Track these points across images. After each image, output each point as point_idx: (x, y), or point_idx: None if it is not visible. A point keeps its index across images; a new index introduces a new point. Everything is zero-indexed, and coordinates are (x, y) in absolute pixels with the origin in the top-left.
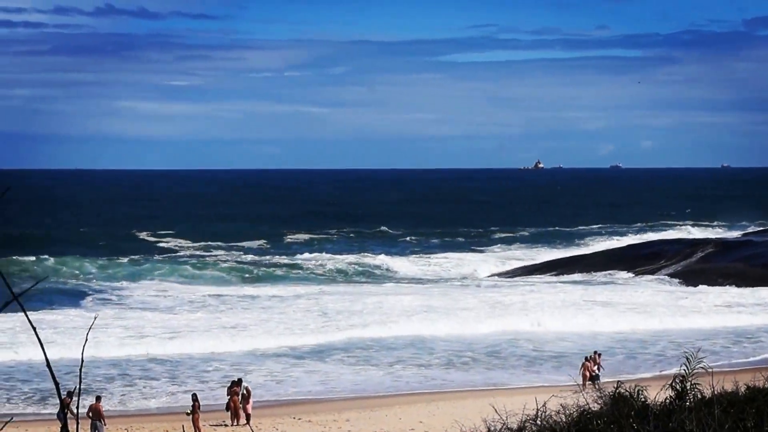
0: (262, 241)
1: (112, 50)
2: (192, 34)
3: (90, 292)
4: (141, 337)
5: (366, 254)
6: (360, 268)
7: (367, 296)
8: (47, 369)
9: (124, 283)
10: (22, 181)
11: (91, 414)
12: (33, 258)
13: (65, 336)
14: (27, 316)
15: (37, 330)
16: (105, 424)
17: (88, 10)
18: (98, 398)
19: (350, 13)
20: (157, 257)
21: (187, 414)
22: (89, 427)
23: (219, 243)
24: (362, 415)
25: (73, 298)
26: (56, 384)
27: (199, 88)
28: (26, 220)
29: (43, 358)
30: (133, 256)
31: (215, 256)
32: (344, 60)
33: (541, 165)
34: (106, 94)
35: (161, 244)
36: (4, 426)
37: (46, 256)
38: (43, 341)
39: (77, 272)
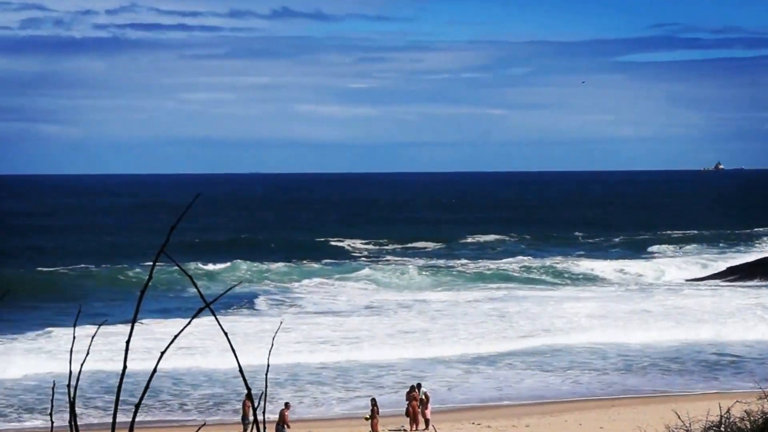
0: (440, 244)
1: (288, 53)
2: (369, 36)
3: (264, 296)
4: (314, 343)
5: (554, 258)
6: (544, 271)
7: (550, 301)
8: (240, 374)
9: (298, 286)
10: (201, 187)
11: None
12: (218, 265)
13: (242, 341)
14: (219, 323)
15: (228, 336)
16: (290, 428)
17: (264, 12)
18: (287, 405)
19: (528, 14)
20: (339, 261)
21: (366, 419)
22: None
23: (395, 246)
24: (542, 420)
25: (248, 302)
26: (248, 389)
27: (376, 90)
28: (214, 223)
29: (219, 365)
30: (309, 260)
31: (396, 259)
32: (522, 61)
33: (721, 166)
34: (283, 97)
35: (344, 248)
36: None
37: (239, 261)
38: (222, 347)
39: (250, 276)
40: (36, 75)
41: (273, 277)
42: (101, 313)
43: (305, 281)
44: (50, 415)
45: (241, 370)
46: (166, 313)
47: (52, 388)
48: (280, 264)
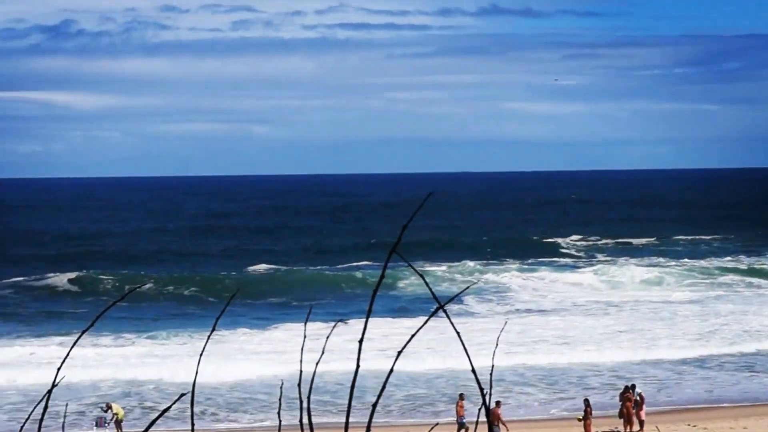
0: (652, 242)
1: (497, 51)
2: (579, 31)
3: (474, 295)
4: (522, 344)
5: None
6: (762, 273)
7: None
8: (472, 375)
9: (509, 284)
10: (409, 186)
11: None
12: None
13: (450, 340)
14: (452, 324)
15: (461, 337)
16: (506, 427)
17: (472, 10)
18: (498, 403)
19: (741, 7)
20: (552, 258)
21: (579, 420)
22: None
23: (606, 241)
24: (760, 422)
25: (458, 300)
26: (481, 390)
27: (587, 87)
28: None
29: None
30: (518, 258)
31: (609, 258)
32: (735, 55)
33: None
34: (492, 95)
35: (557, 244)
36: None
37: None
38: (427, 348)
39: (459, 275)
40: (245, 76)
41: (484, 275)
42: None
43: (516, 279)
44: (278, 414)
45: (473, 371)
46: (375, 313)
47: (280, 387)
48: (494, 261)
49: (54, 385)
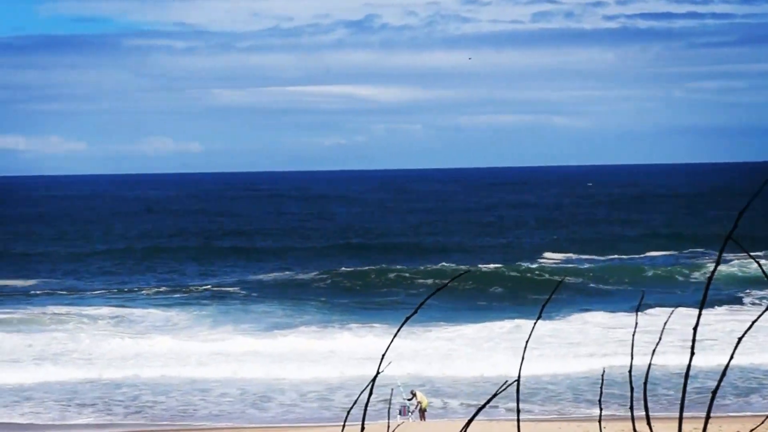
0: None
1: None
2: None
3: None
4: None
5: None
6: None
7: None
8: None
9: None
10: (713, 175)
11: None
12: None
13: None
14: None
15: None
16: None
17: None
18: None
19: None
20: None
21: None
22: None
23: None
24: None
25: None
26: None
27: None
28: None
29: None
30: None
31: None
32: None
33: None
34: None
35: None
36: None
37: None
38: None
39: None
40: (545, 67)
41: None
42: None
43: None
44: (599, 402)
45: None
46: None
47: (602, 376)
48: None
49: (378, 373)
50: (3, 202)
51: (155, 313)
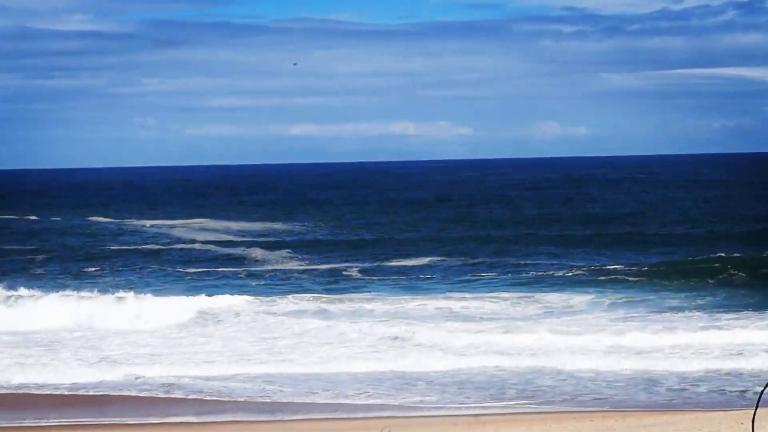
0: None
1: None
2: None
3: None
4: None
5: None
6: None
7: None
8: None
9: None
10: None
11: None
12: None
13: None
14: None
15: None
16: None
17: None
18: None
19: None
20: None
21: None
22: None
23: None
24: None
25: None
26: None
27: None
28: None
29: None
30: None
31: None
32: None
33: None
34: None
35: None
36: None
37: None
38: None
39: None
40: None
41: None
42: None
43: None
44: None
45: None
46: None
47: None
48: None
49: None
50: (421, 187)
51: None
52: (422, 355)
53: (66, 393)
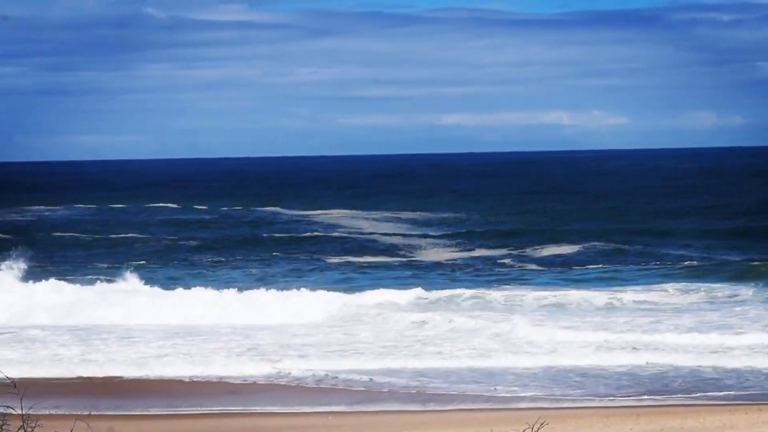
0: None
1: None
2: None
3: None
4: None
5: None
6: None
7: None
8: None
9: None
10: None
11: None
12: None
13: None
14: None
15: None
16: None
17: None
18: None
19: None
20: None
21: None
22: None
23: None
24: None
25: None
26: None
27: None
28: None
29: None
30: None
31: None
32: None
33: None
34: None
35: None
36: None
37: None
38: None
39: None
40: None
41: None
42: None
43: None
44: None
45: None
46: None
47: None
48: None
49: None
50: (575, 177)
51: None
52: (581, 351)
53: (214, 381)
